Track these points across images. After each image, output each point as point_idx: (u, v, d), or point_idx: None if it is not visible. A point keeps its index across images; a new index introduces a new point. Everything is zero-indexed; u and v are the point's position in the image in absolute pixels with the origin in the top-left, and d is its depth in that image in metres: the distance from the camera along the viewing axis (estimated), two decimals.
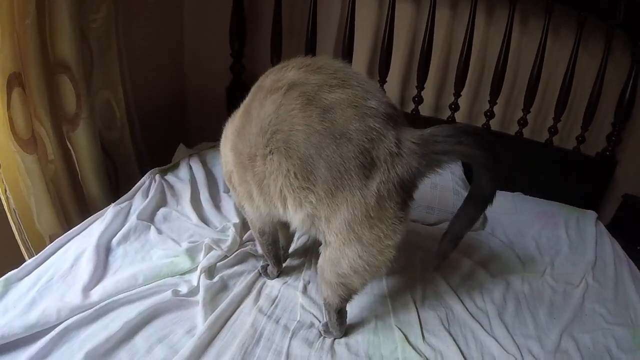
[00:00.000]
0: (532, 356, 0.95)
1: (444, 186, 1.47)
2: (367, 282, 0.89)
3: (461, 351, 0.93)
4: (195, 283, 0.99)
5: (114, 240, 1.07)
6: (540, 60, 1.58)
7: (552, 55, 1.61)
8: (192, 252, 1.06)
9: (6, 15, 1.00)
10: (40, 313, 0.83)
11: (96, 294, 0.91)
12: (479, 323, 1.02)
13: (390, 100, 0.84)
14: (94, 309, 0.88)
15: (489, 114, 1.69)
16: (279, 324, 0.95)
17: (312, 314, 0.99)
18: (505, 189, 1.66)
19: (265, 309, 0.98)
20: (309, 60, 0.84)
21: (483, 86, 1.74)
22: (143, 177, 1.31)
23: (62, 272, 0.97)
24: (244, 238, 1.19)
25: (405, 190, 0.79)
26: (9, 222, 1.15)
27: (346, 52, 1.67)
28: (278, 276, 1.10)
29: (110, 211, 1.15)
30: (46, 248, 1.03)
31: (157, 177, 1.32)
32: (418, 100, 1.72)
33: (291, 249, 1.21)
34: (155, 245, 1.09)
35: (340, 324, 0.94)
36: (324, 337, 0.94)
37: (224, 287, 1.01)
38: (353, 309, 1.02)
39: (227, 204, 1.31)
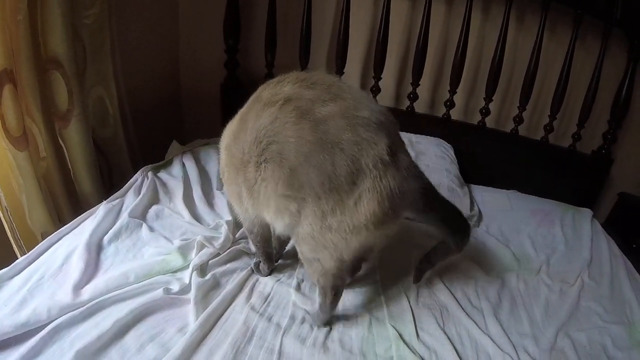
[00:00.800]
0: (528, 355, 0.94)
1: (439, 184, 1.45)
2: (338, 259, 0.87)
3: (456, 350, 0.92)
4: (187, 281, 0.98)
5: (106, 238, 1.06)
6: (537, 58, 1.57)
7: (549, 53, 1.61)
8: (184, 250, 1.06)
9: None
10: (31, 312, 0.83)
11: (87, 292, 0.90)
12: (474, 321, 1.01)
13: (384, 109, 0.87)
14: (84, 307, 0.87)
15: (485, 111, 1.69)
16: (272, 321, 0.94)
17: (306, 311, 0.99)
18: (501, 187, 1.66)
19: (257, 307, 0.97)
20: (304, 75, 0.88)
21: (479, 83, 1.73)
22: (135, 175, 1.30)
23: (52, 270, 0.96)
24: (236, 235, 1.18)
25: (392, 206, 0.80)
26: (0, 220, 1.15)
27: (341, 48, 1.66)
28: (270, 273, 1.09)
29: (101, 209, 1.14)
30: (37, 246, 1.02)
31: (150, 174, 1.31)
32: (413, 97, 1.71)
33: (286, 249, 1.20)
34: (147, 243, 1.08)
35: (331, 309, 0.94)
36: (313, 329, 0.94)
37: (216, 285, 1.00)
38: (347, 305, 1.02)
39: (220, 201, 1.30)
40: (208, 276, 1.01)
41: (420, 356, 0.90)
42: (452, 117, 1.74)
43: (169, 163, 1.40)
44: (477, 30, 1.66)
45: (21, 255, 1.07)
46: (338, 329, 0.96)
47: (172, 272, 1.01)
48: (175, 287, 0.96)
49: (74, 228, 1.10)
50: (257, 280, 1.06)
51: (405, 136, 1.62)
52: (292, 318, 0.96)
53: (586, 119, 1.62)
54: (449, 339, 0.95)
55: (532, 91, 1.63)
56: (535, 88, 1.63)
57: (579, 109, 1.62)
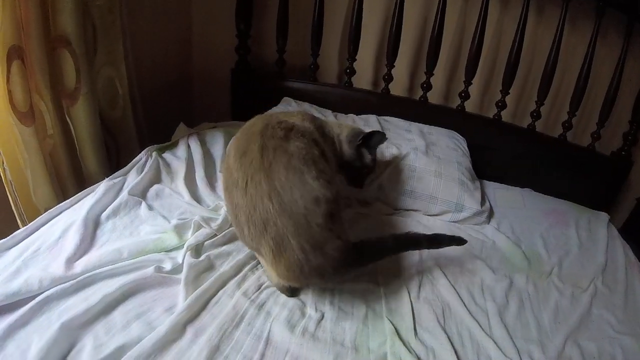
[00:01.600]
0: None
1: (449, 175, 1.41)
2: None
3: (455, 350, 0.88)
4: (180, 260, 0.96)
5: (104, 215, 1.06)
6: (556, 51, 1.51)
7: (569, 46, 1.54)
8: (180, 229, 1.05)
9: None
10: (23, 282, 0.83)
11: (79, 266, 0.91)
12: (477, 322, 0.96)
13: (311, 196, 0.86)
14: (75, 280, 0.87)
15: (501, 105, 1.64)
16: (262, 309, 0.91)
17: (300, 299, 0.96)
18: (514, 184, 1.60)
19: (249, 293, 0.94)
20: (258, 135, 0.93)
21: (495, 75, 1.68)
22: (140, 154, 1.30)
23: (49, 243, 0.96)
24: None
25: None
26: (6, 195, 1.17)
27: (353, 35, 1.63)
28: None
29: (102, 185, 1.14)
30: (37, 219, 1.03)
31: (154, 154, 1.31)
32: (427, 86, 1.66)
33: None
34: (144, 221, 1.08)
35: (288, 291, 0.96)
36: (305, 316, 0.92)
37: (210, 267, 0.99)
38: (343, 295, 0.99)
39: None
40: (202, 257, 0.99)
41: (417, 355, 0.86)
42: (467, 110, 1.69)
43: (174, 144, 1.40)
44: (495, 19, 1.60)
45: None
46: (331, 319, 0.93)
47: (166, 251, 1.00)
48: (167, 266, 0.95)
49: (75, 203, 1.10)
50: (253, 265, 1.03)
51: (417, 126, 1.62)
52: (284, 306, 0.93)
53: (606, 118, 1.55)
54: (448, 338, 0.91)
55: (550, 86, 1.56)
56: (555, 83, 1.56)
57: (599, 107, 1.55)
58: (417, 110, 1.69)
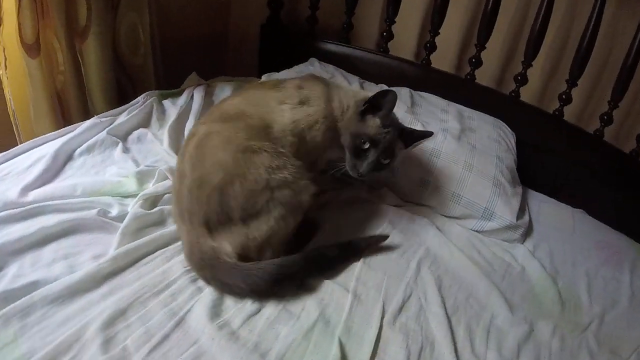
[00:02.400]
0: None
1: (482, 171, 1.15)
2: None
3: None
4: (129, 209, 0.91)
5: (78, 150, 1.04)
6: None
7: None
8: (142, 176, 0.99)
9: None
10: None
11: (32, 195, 0.90)
12: None
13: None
14: (24, 208, 0.86)
15: (565, 98, 1.35)
16: (195, 283, 0.80)
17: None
18: (566, 201, 1.29)
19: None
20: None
21: (563, 60, 1.38)
22: (138, 97, 1.27)
23: (20, 169, 0.97)
24: None
25: None
26: (11, 124, 1.20)
27: None
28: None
29: (89, 122, 1.13)
30: (18, 146, 1.04)
31: (153, 99, 1.27)
32: (475, 62, 1.42)
33: None
34: (115, 162, 1.04)
35: None
36: (237, 307, 0.77)
37: (160, 222, 0.91)
38: (299, 291, 0.81)
39: None
40: (155, 210, 0.92)
41: None
42: (522, 98, 1.41)
43: (179, 92, 1.35)
44: None
45: None
46: (267, 317, 0.75)
47: (123, 196, 0.95)
48: (114, 211, 0.90)
49: (61, 136, 1.09)
50: None
51: (456, 107, 1.37)
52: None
53: None
54: None
55: (628, 86, 1.25)
56: (634, 82, 1.25)
57: None
58: (460, 89, 1.46)
